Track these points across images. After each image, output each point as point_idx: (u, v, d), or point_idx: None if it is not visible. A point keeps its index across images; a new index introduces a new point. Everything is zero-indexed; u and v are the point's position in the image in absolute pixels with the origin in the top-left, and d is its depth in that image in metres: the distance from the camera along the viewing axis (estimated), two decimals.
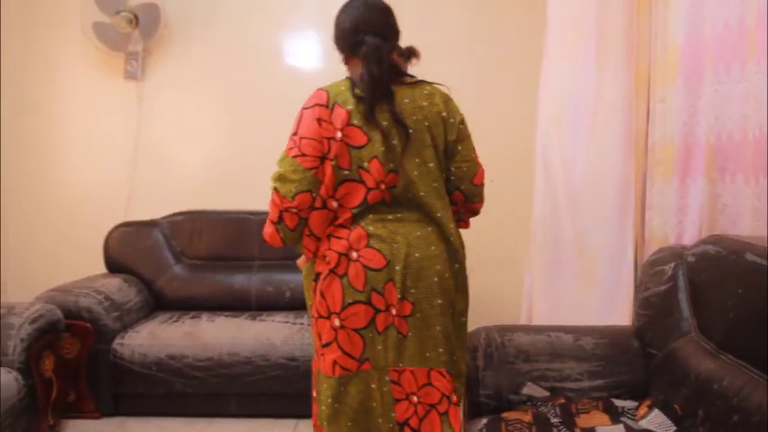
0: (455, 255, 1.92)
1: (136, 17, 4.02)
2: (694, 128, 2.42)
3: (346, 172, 1.87)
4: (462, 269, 1.96)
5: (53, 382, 2.96)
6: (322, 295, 1.88)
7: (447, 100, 2.01)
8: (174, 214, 4.05)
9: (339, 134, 1.86)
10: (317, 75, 4.22)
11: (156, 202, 4.14)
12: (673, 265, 2.13)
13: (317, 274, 1.92)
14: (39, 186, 4.33)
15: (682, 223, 2.48)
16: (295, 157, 1.93)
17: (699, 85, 2.38)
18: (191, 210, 4.07)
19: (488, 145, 4.04)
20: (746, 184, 2.14)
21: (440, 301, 1.86)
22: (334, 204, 1.90)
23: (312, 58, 4.26)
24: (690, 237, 2.40)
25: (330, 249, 1.88)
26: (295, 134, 1.98)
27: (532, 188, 3.26)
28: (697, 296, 1.99)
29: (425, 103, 1.93)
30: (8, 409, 2.59)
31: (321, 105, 1.94)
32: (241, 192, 4.17)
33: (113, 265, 3.88)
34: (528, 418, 1.91)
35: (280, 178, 1.94)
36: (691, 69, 2.41)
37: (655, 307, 2.17)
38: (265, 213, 3.90)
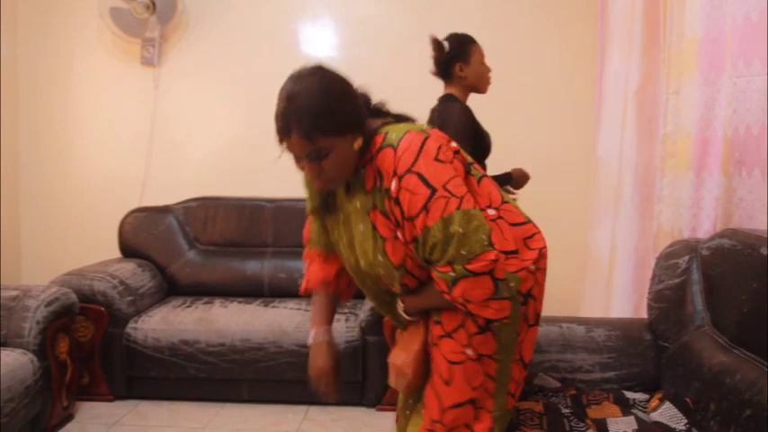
0: None
1: (153, 3, 4.03)
2: (712, 121, 2.39)
3: None
4: None
5: (68, 364, 2.99)
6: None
7: None
8: (189, 200, 4.07)
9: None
10: (331, 62, 4.20)
11: (171, 188, 4.16)
12: (687, 258, 2.12)
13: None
14: (54, 171, 4.36)
15: (696, 217, 2.46)
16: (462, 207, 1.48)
17: (717, 79, 2.36)
18: (205, 196, 4.08)
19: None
20: (764, 178, 2.12)
21: None
22: None
23: (327, 45, 4.26)
24: (704, 230, 2.38)
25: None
26: (440, 188, 1.48)
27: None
28: (711, 290, 1.98)
29: None
30: (23, 389, 2.62)
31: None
32: (255, 178, 4.18)
33: (128, 250, 3.91)
34: (539, 408, 1.91)
35: (472, 244, 1.45)
36: (709, 62, 2.39)
37: (668, 300, 2.16)
38: (279, 200, 3.93)
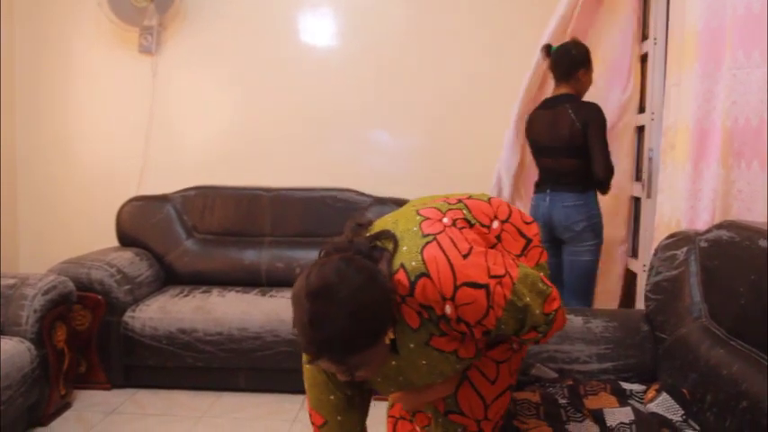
0: None
1: None
2: (710, 112, 2.39)
3: None
4: None
5: (65, 352, 3.00)
6: None
7: None
8: (187, 189, 4.07)
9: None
10: (331, 52, 4.22)
11: (169, 177, 4.16)
12: (685, 249, 2.12)
13: None
14: (52, 160, 4.35)
15: (694, 208, 2.46)
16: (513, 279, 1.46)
17: (717, 70, 2.35)
18: (203, 185, 4.08)
19: (502, 127, 4.06)
20: (762, 170, 2.11)
21: None
22: None
23: (326, 35, 4.24)
24: (703, 222, 2.38)
25: None
26: (488, 280, 1.43)
27: None
28: (708, 282, 1.98)
29: None
30: (21, 378, 2.63)
31: None
32: (253, 167, 4.18)
33: (125, 239, 3.91)
34: (536, 398, 1.92)
35: (537, 298, 1.48)
36: (709, 54, 2.38)
37: (666, 291, 2.16)
38: (277, 189, 3.93)
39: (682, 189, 2.51)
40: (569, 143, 3.15)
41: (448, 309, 1.40)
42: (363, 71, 4.16)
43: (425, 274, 1.38)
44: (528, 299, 1.44)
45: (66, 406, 3.11)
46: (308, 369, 1.69)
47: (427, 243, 1.42)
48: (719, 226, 2.01)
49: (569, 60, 3.23)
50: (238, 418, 3.09)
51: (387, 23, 4.17)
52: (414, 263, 1.39)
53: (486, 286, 1.40)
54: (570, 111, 3.15)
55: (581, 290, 3.24)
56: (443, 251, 1.40)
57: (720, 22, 2.32)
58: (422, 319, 1.44)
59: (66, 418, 3.04)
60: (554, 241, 3.28)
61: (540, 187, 3.35)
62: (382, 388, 1.64)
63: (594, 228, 3.20)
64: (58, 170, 4.36)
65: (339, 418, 1.67)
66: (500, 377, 1.61)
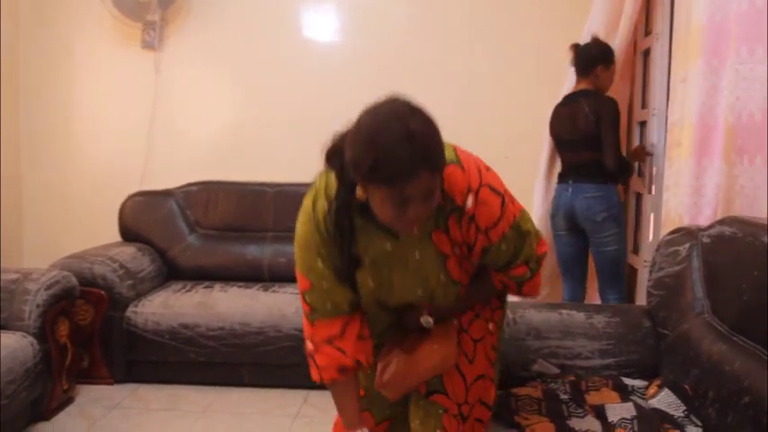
0: None
1: None
2: (714, 108, 2.38)
3: None
4: None
5: (68, 347, 3.00)
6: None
7: None
8: (189, 184, 4.07)
9: None
10: (334, 48, 4.21)
11: (172, 172, 4.16)
12: (687, 245, 2.11)
13: None
14: (55, 155, 4.36)
15: (697, 204, 2.46)
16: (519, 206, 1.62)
17: (721, 66, 2.34)
18: (206, 180, 4.08)
19: (504, 124, 4.06)
20: (765, 166, 2.11)
21: None
22: None
23: (329, 31, 4.24)
24: (705, 218, 2.38)
25: None
26: (504, 193, 1.56)
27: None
28: (711, 277, 1.98)
29: None
30: (24, 372, 2.63)
31: None
32: (256, 163, 4.18)
33: (128, 234, 3.91)
34: (538, 394, 1.92)
35: (534, 236, 1.63)
36: (713, 49, 2.38)
37: (668, 287, 2.16)
38: (280, 185, 3.94)
39: (685, 184, 2.51)
40: (585, 136, 3.25)
41: (470, 201, 1.48)
42: (366, 68, 4.16)
43: (457, 162, 1.49)
44: (529, 226, 1.59)
45: (69, 401, 3.12)
46: (303, 229, 1.64)
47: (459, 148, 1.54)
48: (722, 222, 2.01)
49: (588, 57, 3.34)
50: (241, 413, 3.10)
51: (389, 21, 4.16)
52: (447, 153, 1.44)
53: (502, 196, 1.53)
54: (585, 105, 3.25)
55: (612, 278, 3.36)
56: (473, 157, 1.54)
57: (724, 18, 2.32)
58: (437, 207, 1.47)
59: (69, 413, 3.04)
60: (574, 230, 3.40)
61: (563, 178, 3.45)
62: (366, 281, 1.63)
63: (615, 218, 3.29)
64: (61, 166, 4.36)
65: (325, 284, 1.62)
66: (477, 357, 1.71)
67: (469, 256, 1.60)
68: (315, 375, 1.68)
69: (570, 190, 3.35)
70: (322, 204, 1.57)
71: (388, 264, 1.59)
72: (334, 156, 1.49)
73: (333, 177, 1.53)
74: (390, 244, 1.57)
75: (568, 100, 3.38)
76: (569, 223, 3.39)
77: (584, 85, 3.36)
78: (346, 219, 1.53)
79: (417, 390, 1.70)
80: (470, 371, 1.70)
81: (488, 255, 1.58)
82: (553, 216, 3.47)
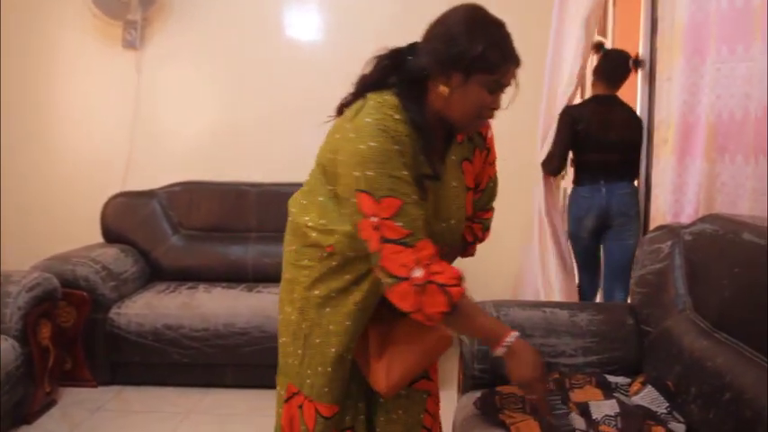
0: None
1: None
2: (695, 107, 2.40)
3: None
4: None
5: (50, 350, 2.98)
6: None
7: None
8: (172, 185, 4.04)
9: None
10: (317, 47, 4.20)
11: (154, 173, 4.13)
12: (670, 243, 2.13)
13: None
14: (35, 156, 4.31)
15: (679, 202, 2.48)
16: None
17: (701, 64, 2.36)
18: (189, 180, 4.06)
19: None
20: (746, 164, 2.13)
21: None
22: None
23: (312, 29, 4.23)
24: (687, 216, 2.40)
25: None
26: None
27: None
28: (693, 275, 1.99)
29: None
30: (5, 376, 2.60)
31: None
32: (239, 163, 4.16)
33: (110, 235, 3.88)
34: (522, 392, 1.92)
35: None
36: (693, 48, 2.40)
37: (651, 285, 2.17)
38: (263, 185, 3.92)
39: (668, 182, 2.53)
40: (628, 140, 3.37)
41: (490, 132, 1.70)
42: (349, 66, 4.08)
43: None
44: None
45: (52, 403, 3.09)
46: (376, 144, 1.43)
47: None
48: (703, 219, 2.03)
49: (625, 72, 3.42)
50: (225, 414, 3.09)
51: (372, 20, 4.15)
52: None
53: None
54: (630, 112, 3.41)
55: (623, 273, 3.33)
56: None
57: (705, 17, 2.34)
58: (465, 138, 1.65)
59: (52, 416, 3.02)
60: (596, 229, 3.46)
61: (591, 179, 3.47)
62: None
63: (639, 213, 3.40)
64: (41, 166, 4.32)
65: (414, 197, 1.45)
66: None
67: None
68: (443, 303, 1.41)
69: (604, 190, 3.40)
70: (388, 116, 1.47)
71: (434, 189, 1.55)
72: (391, 71, 1.55)
73: (381, 96, 1.51)
74: (449, 162, 1.62)
75: (604, 102, 3.43)
76: (598, 222, 3.43)
77: (614, 91, 3.44)
78: (426, 126, 1.50)
79: None
80: None
81: (485, 193, 1.73)
82: (581, 218, 3.47)
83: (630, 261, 3.36)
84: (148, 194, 3.98)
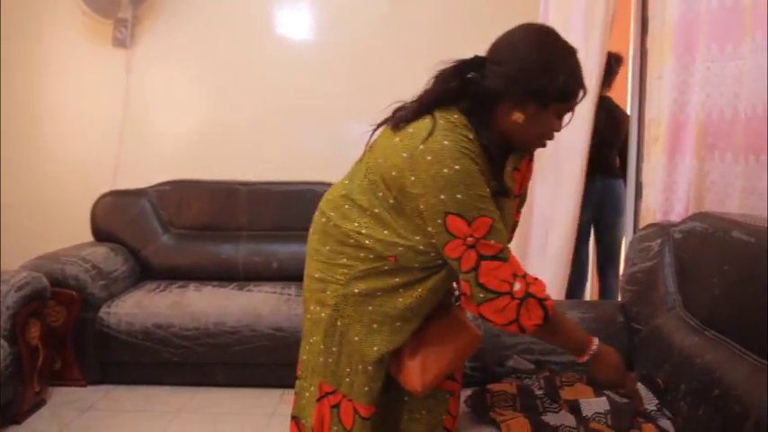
0: None
1: None
2: (685, 105, 2.41)
3: None
4: None
5: (39, 349, 2.96)
6: None
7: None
8: (162, 183, 4.03)
9: None
10: (308, 46, 4.20)
11: (145, 172, 4.11)
12: (659, 241, 2.14)
13: None
14: (25, 154, 4.29)
15: (669, 200, 2.49)
16: None
17: (691, 63, 2.37)
18: (179, 179, 4.05)
19: None
20: (735, 163, 2.14)
21: None
22: None
23: (303, 29, 4.23)
24: (677, 214, 2.41)
25: None
26: None
27: None
28: (683, 272, 2.00)
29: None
30: None
31: None
32: (230, 162, 4.16)
33: (100, 234, 3.86)
34: (513, 390, 1.92)
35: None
36: (683, 47, 2.41)
37: (641, 282, 2.18)
38: (254, 184, 3.91)
39: (658, 181, 2.54)
40: (615, 136, 3.63)
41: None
42: (339, 64, 4.15)
43: None
44: None
45: (41, 403, 3.08)
46: (460, 166, 1.44)
47: None
48: (693, 217, 2.03)
49: (610, 73, 3.57)
50: (215, 413, 3.08)
51: (362, 19, 4.15)
52: None
53: None
54: (621, 110, 3.66)
55: (616, 255, 3.74)
56: None
57: (695, 15, 2.35)
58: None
59: (41, 416, 3.00)
60: (590, 219, 3.71)
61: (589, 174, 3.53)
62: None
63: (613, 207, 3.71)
64: (31, 165, 4.29)
65: (497, 214, 1.50)
66: None
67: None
68: (540, 317, 1.48)
69: (599, 184, 3.62)
70: (464, 137, 1.48)
71: (498, 203, 1.54)
72: (459, 91, 1.53)
73: (450, 116, 1.50)
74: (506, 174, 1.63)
75: (604, 103, 3.49)
76: (590, 213, 3.65)
77: (606, 91, 3.64)
78: (495, 146, 1.53)
79: None
80: None
81: (521, 197, 1.72)
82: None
83: (606, 254, 3.79)
84: (138, 193, 3.97)
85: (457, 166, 1.43)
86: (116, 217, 3.88)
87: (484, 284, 1.45)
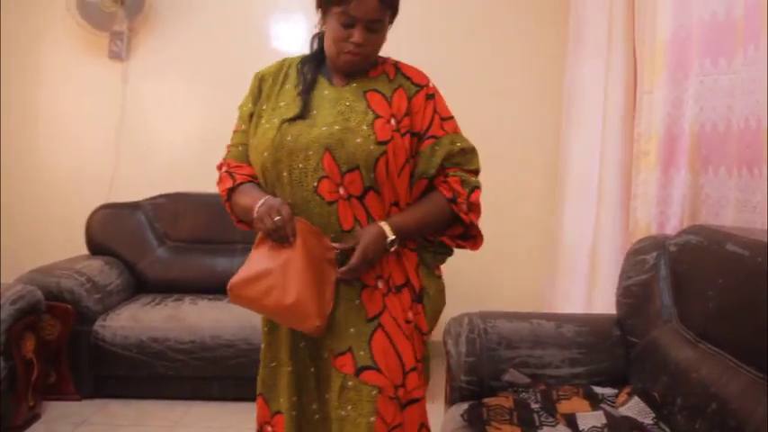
0: None
1: None
2: (679, 119, 2.43)
3: None
4: None
5: (34, 363, 2.95)
6: None
7: None
8: (158, 196, 4.02)
9: None
10: None
11: (140, 184, 4.10)
12: (655, 254, 2.14)
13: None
14: (20, 167, 4.27)
15: (664, 213, 2.50)
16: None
17: (685, 77, 2.39)
18: (174, 192, 4.03)
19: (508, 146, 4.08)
20: (729, 176, 2.15)
21: None
22: None
23: (298, 40, 4.22)
24: (672, 227, 2.42)
25: None
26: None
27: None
28: (678, 286, 2.01)
29: None
30: None
31: None
32: None
33: (95, 247, 3.85)
34: (509, 403, 1.93)
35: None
36: (677, 61, 2.43)
37: (636, 296, 2.19)
38: None
39: (652, 194, 2.55)
40: None
41: (431, 83, 1.74)
42: None
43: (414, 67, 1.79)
44: (465, 146, 1.72)
45: (35, 417, 3.05)
46: (264, 69, 2.08)
47: None
48: (688, 230, 2.04)
49: None
50: (211, 427, 3.07)
51: None
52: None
53: (450, 116, 1.75)
54: None
55: None
56: None
57: (688, 30, 2.37)
58: (382, 75, 1.72)
59: (36, 430, 2.98)
60: None
61: None
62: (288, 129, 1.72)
63: None
64: (26, 178, 4.28)
65: (243, 127, 2.17)
66: (415, 337, 1.64)
67: (411, 146, 1.66)
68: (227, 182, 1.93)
69: None
70: (295, 59, 1.84)
71: (320, 103, 1.68)
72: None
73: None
74: (329, 91, 1.70)
75: None
76: None
77: None
78: (312, 68, 1.75)
79: (345, 372, 1.57)
80: (407, 348, 1.59)
81: (440, 144, 1.66)
82: None
83: None
84: (134, 206, 3.96)
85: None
86: (111, 230, 3.87)
87: None
